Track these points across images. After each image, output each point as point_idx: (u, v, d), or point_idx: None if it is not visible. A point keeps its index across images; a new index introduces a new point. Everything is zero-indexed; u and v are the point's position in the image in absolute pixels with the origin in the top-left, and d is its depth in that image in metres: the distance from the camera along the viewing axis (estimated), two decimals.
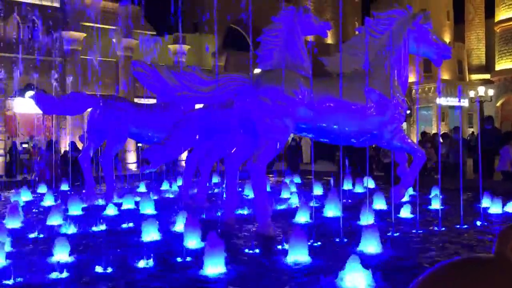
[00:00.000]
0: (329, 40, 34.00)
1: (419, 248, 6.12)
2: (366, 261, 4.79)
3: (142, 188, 11.98)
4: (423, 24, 8.09)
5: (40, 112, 11.07)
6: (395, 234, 6.77)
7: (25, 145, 22.44)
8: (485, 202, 8.76)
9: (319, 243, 6.19)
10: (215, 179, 13.27)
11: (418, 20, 8.03)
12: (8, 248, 5.77)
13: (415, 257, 5.65)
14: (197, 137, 9.45)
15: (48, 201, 9.75)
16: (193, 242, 6.11)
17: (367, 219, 7.33)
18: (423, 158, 7.99)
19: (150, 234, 6.62)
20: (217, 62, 24.92)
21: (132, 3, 24.90)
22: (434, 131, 30.35)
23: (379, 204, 8.92)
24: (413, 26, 8.00)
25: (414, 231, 7.00)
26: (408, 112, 8.03)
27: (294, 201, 9.65)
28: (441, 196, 9.34)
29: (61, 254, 5.54)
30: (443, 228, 7.14)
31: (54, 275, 4.97)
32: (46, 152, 14.56)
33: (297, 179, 13.42)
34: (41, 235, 6.93)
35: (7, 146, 21.71)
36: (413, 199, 9.59)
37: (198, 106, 9.84)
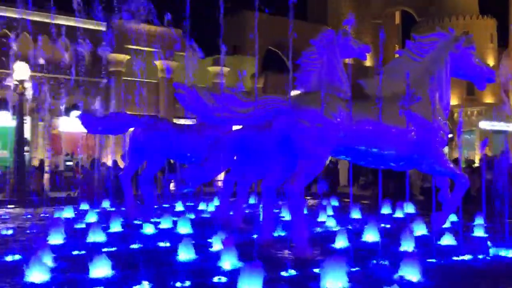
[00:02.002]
0: (368, 62, 33.84)
1: (461, 277, 5.90)
2: None
3: (179, 208, 12.11)
4: (466, 47, 7.95)
5: (85, 131, 11.44)
6: (437, 262, 6.55)
7: (69, 163, 23.21)
8: None
9: (357, 268, 6.06)
10: (252, 200, 13.26)
11: (460, 43, 7.90)
12: (50, 263, 5.93)
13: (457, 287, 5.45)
14: (235, 158, 9.52)
15: (90, 218, 9.99)
16: (229, 262, 6.11)
17: (407, 245, 7.14)
18: (466, 184, 7.75)
19: (187, 253, 6.67)
20: (256, 84, 25.19)
21: (174, 26, 25.64)
22: (477, 156, 29.45)
23: (420, 230, 8.66)
24: (455, 49, 7.87)
25: (456, 259, 6.76)
26: (450, 136, 7.87)
27: (331, 224, 9.53)
28: (485, 224, 9.02)
29: (101, 271, 5.65)
30: (487, 258, 6.86)
31: None
32: (89, 170, 14.99)
33: (335, 202, 13.24)
34: (82, 252, 7.10)
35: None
36: (455, 226, 9.29)
37: (236, 127, 9.93)
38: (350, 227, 9.09)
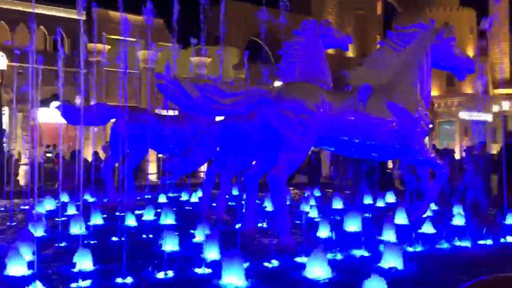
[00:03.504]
0: (350, 53, 33.95)
1: (442, 265, 6.00)
2: (387, 278, 4.71)
3: (162, 199, 12.05)
4: (447, 38, 8.03)
5: (65, 122, 11.26)
6: (417, 250, 6.65)
7: (48, 154, 22.86)
8: (509, 219, 8.57)
9: (339, 257, 6.13)
10: (235, 191, 13.27)
11: (441, 34, 7.98)
12: (30, 256, 5.85)
13: (438, 275, 5.54)
14: (218, 149, 9.49)
15: (71, 210, 9.87)
16: (212, 253, 6.11)
17: (388, 234, 7.23)
18: (446, 174, 7.87)
19: (170, 245, 6.65)
20: (238, 74, 25.08)
21: (156, 15, 25.32)
22: (456, 146, 29.93)
23: (401, 219, 8.79)
24: (436, 40, 7.95)
25: (436, 247, 6.88)
26: (430, 126, 7.99)
27: (314, 214, 9.59)
28: (464, 212, 9.18)
29: (83, 263, 5.60)
30: (467, 245, 7.00)
31: (75, 284, 5.03)
32: (70, 161, 14.79)
33: (317, 193, 13.33)
34: (63, 244, 7.02)
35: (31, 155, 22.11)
36: (435, 215, 9.45)
37: (219, 118, 9.90)
38: (338, 217, 9.15)
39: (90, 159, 16.32)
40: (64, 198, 11.63)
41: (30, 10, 21.88)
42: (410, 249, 6.63)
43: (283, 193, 6.86)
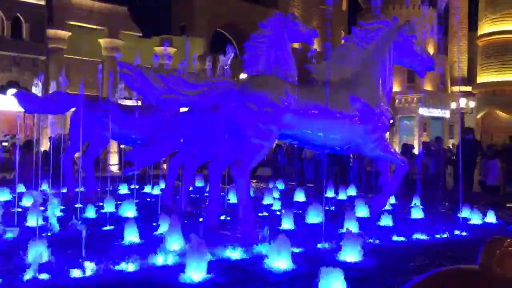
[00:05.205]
0: (315, 47, 34.26)
1: (400, 257, 6.17)
2: (346, 269, 4.80)
3: (123, 190, 11.85)
4: (408, 36, 8.21)
5: (22, 110, 10.88)
6: (377, 243, 6.81)
7: (5, 143, 22.06)
8: (465, 213, 8.89)
9: (301, 249, 6.20)
10: (199, 183, 13.21)
11: (403, 31, 8.15)
12: None
13: (395, 267, 5.69)
14: (182, 140, 9.41)
15: (27, 201, 9.57)
16: (175, 246, 6.07)
17: (349, 226, 7.36)
18: (405, 168, 8.08)
19: (131, 237, 6.56)
20: (205, 65, 24.85)
21: (119, 4, 24.76)
22: (415, 141, 30.78)
23: (361, 212, 8.97)
24: (398, 37, 8.11)
25: (395, 240, 7.06)
26: (391, 121, 8.18)
27: (277, 207, 9.67)
28: (421, 206, 9.46)
29: (39, 256, 5.44)
30: (424, 238, 7.21)
31: (29, 276, 4.88)
32: (27, 151, 14.30)
33: (280, 185, 13.43)
34: (19, 235, 6.80)
35: None
36: (394, 208, 9.70)
37: (183, 109, 9.80)
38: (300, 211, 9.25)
39: (46, 148, 15.84)
40: (20, 188, 11.28)
41: None
42: (368, 241, 6.78)
43: (247, 186, 6.87)
